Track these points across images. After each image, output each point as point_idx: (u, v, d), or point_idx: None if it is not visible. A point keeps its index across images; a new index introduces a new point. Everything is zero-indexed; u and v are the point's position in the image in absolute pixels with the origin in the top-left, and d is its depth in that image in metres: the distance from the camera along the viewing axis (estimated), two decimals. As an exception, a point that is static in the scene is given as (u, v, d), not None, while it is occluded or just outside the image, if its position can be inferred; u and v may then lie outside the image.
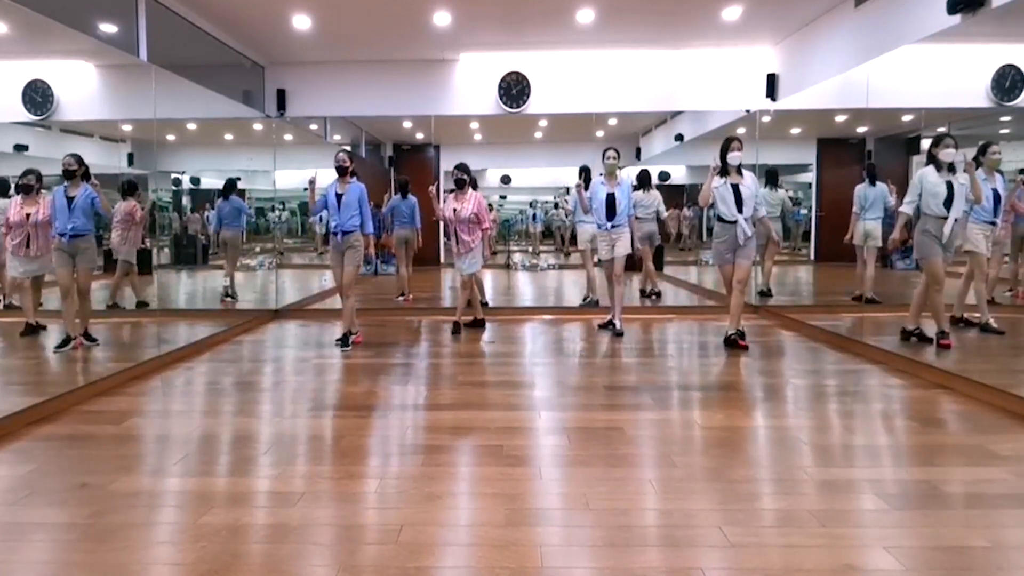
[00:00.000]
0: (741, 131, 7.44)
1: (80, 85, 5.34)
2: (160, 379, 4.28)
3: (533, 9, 5.76)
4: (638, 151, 9.82)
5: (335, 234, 5.10)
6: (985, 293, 4.98)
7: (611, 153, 5.61)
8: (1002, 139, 5.77)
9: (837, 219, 6.68)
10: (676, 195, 10.13)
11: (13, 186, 4.82)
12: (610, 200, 5.56)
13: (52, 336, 5.07)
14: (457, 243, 5.63)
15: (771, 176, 7.36)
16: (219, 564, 1.95)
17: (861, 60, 5.40)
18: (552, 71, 7.11)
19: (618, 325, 5.66)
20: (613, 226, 5.58)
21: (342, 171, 5.13)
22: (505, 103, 7.13)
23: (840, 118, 7.63)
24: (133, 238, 6.01)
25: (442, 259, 10.68)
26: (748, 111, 7.08)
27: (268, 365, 4.79)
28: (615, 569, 1.91)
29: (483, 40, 6.67)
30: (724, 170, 4.92)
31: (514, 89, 7.11)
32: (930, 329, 4.71)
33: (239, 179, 7.89)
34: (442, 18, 5.92)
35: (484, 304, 6.64)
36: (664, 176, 7.68)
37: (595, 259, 6.62)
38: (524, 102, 7.12)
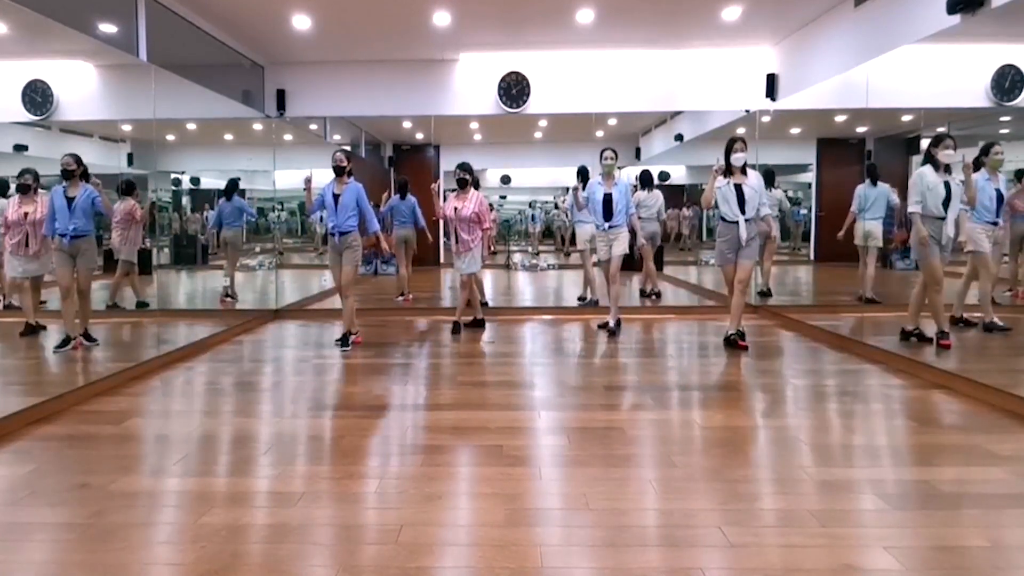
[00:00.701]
0: (741, 131, 7.44)
1: (80, 85, 5.34)
2: (160, 379, 4.28)
3: (533, 9, 5.76)
4: (638, 151, 9.83)
5: (332, 235, 5.09)
6: (991, 292, 4.98)
7: (608, 154, 5.60)
8: (1002, 139, 5.77)
9: (837, 219, 6.68)
10: (676, 195, 10.14)
11: (13, 186, 4.82)
12: (607, 200, 5.55)
13: (52, 336, 5.07)
14: (457, 242, 5.62)
15: (768, 176, 7.36)
16: (219, 564, 1.95)
17: (861, 60, 5.41)
18: (552, 71, 7.11)
19: (611, 324, 5.66)
20: (611, 227, 5.58)
21: (339, 171, 5.11)
22: (505, 103, 7.13)
23: (840, 118, 7.63)
24: (133, 238, 6.02)
25: (442, 259, 10.68)
26: (748, 111, 7.08)
27: (268, 365, 4.79)
28: (615, 569, 1.91)
29: (483, 40, 6.67)
30: (728, 170, 4.91)
31: (514, 89, 7.11)
32: (929, 329, 4.71)
33: (239, 179, 7.89)
34: (442, 18, 5.92)
35: (484, 304, 6.64)
36: (664, 176, 7.69)
37: (594, 259, 6.62)
38: (524, 102, 7.12)
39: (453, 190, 5.79)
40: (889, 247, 5.58)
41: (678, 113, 8.40)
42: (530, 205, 12.87)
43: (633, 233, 5.90)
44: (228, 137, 8.66)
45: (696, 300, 7.94)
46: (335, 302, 7.99)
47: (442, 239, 10.18)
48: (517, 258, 11.90)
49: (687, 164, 10.04)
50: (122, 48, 5.05)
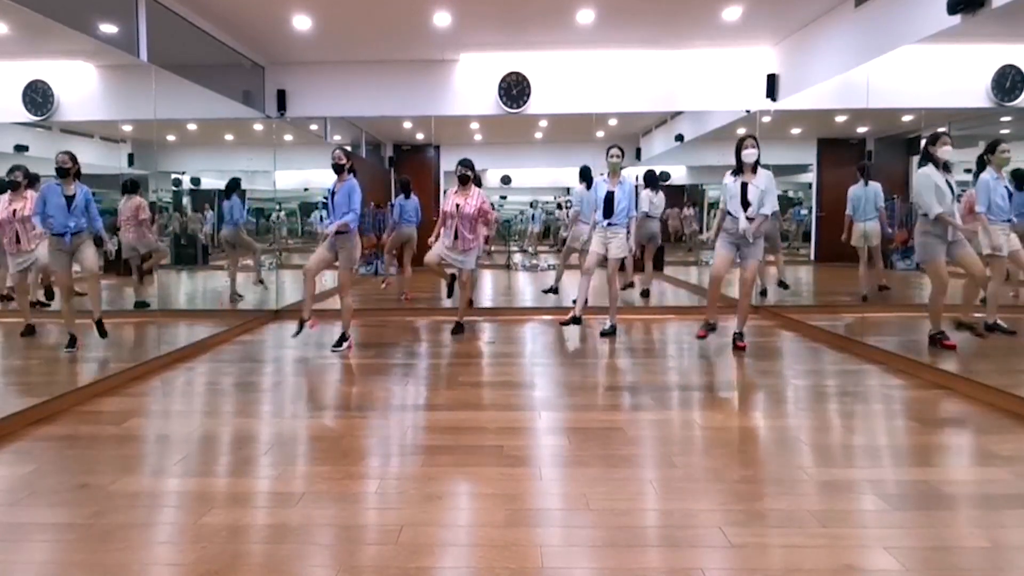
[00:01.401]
0: (741, 131, 7.44)
1: (80, 85, 5.34)
2: (160, 379, 4.28)
3: (533, 9, 5.76)
4: (638, 151, 9.83)
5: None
6: (999, 294, 4.96)
7: (615, 151, 5.55)
8: (1002, 139, 5.77)
9: (837, 219, 6.68)
10: (677, 195, 10.14)
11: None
12: (609, 198, 5.53)
13: (52, 336, 5.07)
14: (456, 238, 5.54)
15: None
16: (219, 564, 1.95)
17: (861, 60, 5.40)
18: (552, 71, 7.11)
19: (608, 324, 5.67)
20: (609, 224, 5.56)
21: (338, 169, 5.05)
22: (505, 103, 7.13)
23: (840, 118, 7.63)
24: (145, 232, 6.10)
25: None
26: (748, 111, 7.08)
27: (268, 365, 4.79)
28: (615, 569, 1.91)
29: (483, 40, 6.67)
30: (739, 167, 4.89)
31: (514, 89, 7.11)
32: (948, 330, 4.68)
33: (240, 178, 7.89)
34: (442, 18, 5.92)
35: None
36: (665, 176, 7.70)
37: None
38: (524, 102, 7.12)
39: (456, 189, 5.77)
40: (889, 247, 5.58)
41: (678, 113, 8.40)
42: (531, 205, 12.87)
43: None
44: (228, 137, 8.66)
45: (696, 300, 7.93)
46: (335, 302, 7.99)
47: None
48: (517, 258, 11.89)
49: (688, 164, 10.04)
50: (122, 48, 5.05)
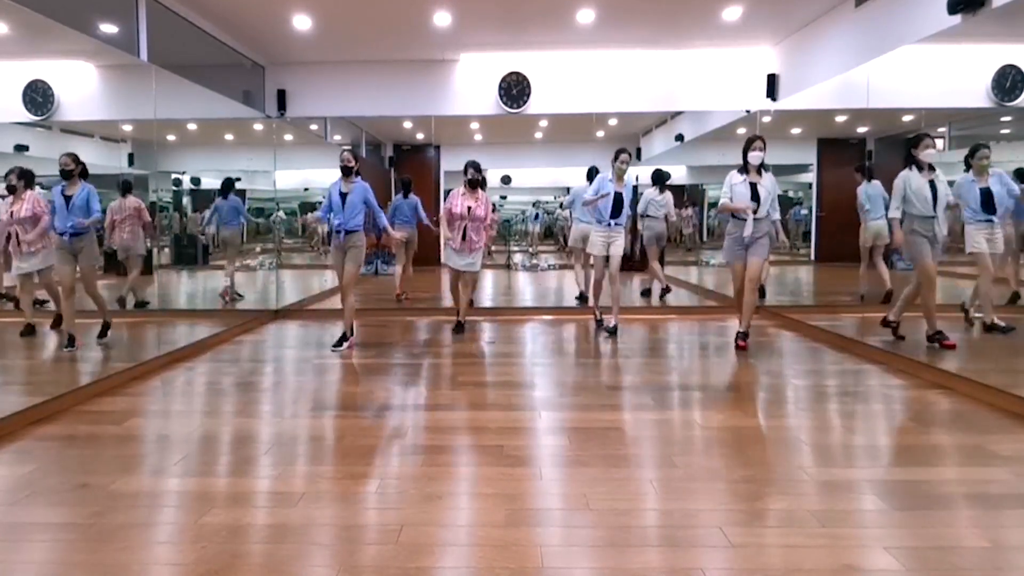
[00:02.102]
0: (741, 131, 7.44)
1: (80, 85, 5.34)
2: (160, 379, 4.28)
3: (533, 9, 5.76)
4: (638, 151, 9.82)
5: (338, 233, 5.06)
6: (992, 293, 4.98)
7: (625, 156, 5.56)
8: (1002, 139, 5.77)
9: (837, 219, 6.68)
10: (677, 195, 10.12)
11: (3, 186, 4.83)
12: (619, 199, 5.57)
13: (52, 336, 5.08)
14: (464, 239, 5.56)
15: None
16: (219, 564, 1.95)
17: (861, 60, 5.41)
18: (552, 71, 7.11)
19: (612, 322, 5.66)
20: (616, 224, 5.59)
21: (347, 171, 5.07)
22: (505, 103, 7.13)
23: (840, 118, 7.63)
24: (141, 235, 6.10)
25: (441, 259, 10.67)
26: (748, 111, 7.08)
27: (268, 365, 4.79)
28: (615, 569, 1.91)
29: (483, 40, 6.67)
30: (745, 168, 4.90)
31: (514, 89, 7.11)
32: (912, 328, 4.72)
33: (239, 179, 7.89)
34: (442, 18, 5.92)
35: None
36: (665, 176, 7.69)
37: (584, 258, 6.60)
38: (524, 102, 7.12)
39: (463, 191, 5.74)
40: (890, 247, 5.59)
41: (679, 113, 8.40)
42: (534, 205, 12.86)
43: (633, 233, 5.91)
44: (229, 137, 8.66)
45: (696, 300, 7.94)
46: (335, 302, 7.99)
47: (442, 240, 10.18)
48: (517, 258, 11.90)
49: (688, 164, 10.04)
50: (123, 48, 5.05)
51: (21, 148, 5.02)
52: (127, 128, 6.22)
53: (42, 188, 5.22)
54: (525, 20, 6.06)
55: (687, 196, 10.36)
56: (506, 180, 11.16)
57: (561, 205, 12.53)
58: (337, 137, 9.05)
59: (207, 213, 7.95)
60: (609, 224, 5.56)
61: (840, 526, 2.17)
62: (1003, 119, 5.47)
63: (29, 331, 4.99)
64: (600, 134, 8.81)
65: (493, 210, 5.84)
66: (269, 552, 2.03)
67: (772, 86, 6.91)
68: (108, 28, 5.05)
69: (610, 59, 7.05)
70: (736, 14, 5.91)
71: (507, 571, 1.90)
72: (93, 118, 5.62)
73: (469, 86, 7.21)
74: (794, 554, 1.99)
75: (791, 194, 9.05)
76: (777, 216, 5.01)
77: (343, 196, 5.03)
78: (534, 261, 11.70)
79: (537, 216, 12.76)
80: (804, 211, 8.71)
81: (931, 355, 4.50)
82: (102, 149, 6.04)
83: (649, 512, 2.30)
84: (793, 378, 4.25)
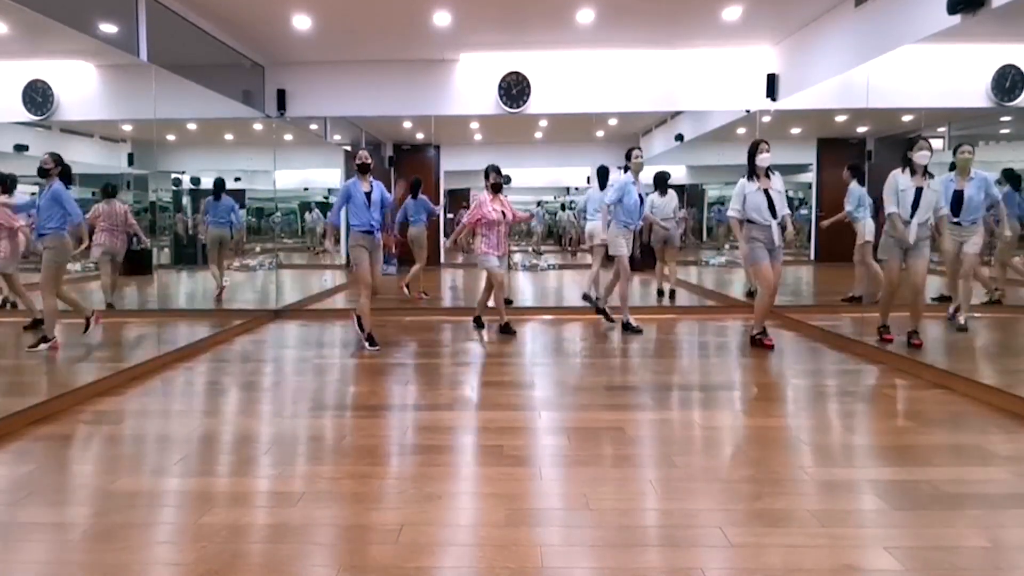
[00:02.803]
0: (741, 131, 7.45)
1: (80, 85, 5.34)
2: (160, 379, 4.28)
3: (533, 9, 5.76)
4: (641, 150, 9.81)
5: (369, 232, 5.00)
6: (965, 290, 5.01)
7: (638, 152, 5.64)
8: (1002, 139, 5.77)
9: (837, 220, 6.68)
10: (676, 195, 10.14)
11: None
12: (640, 200, 5.66)
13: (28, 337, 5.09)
14: (497, 244, 5.59)
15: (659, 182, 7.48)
16: (219, 564, 1.95)
17: (861, 60, 5.40)
18: (552, 71, 7.11)
19: (634, 321, 5.73)
20: (638, 225, 5.71)
21: (366, 168, 5.04)
22: (505, 103, 7.13)
23: (840, 118, 7.64)
24: (123, 239, 6.10)
25: (442, 259, 10.68)
26: (748, 111, 7.08)
27: (268, 365, 4.79)
28: (615, 569, 1.91)
29: (483, 40, 6.67)
30: (753, 173, 4.88)
31: (514, 89, 7.11)
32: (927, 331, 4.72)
33: (239, 179, 7.89)
34: (442, 18, 5.92)
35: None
36: (667, 177, 7.69)
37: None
38: (524, 102, 7.12)
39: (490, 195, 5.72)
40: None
41: (678, 113, 8.40)
42: (538, 204, 12.85)
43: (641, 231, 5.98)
44: (228, 137, 8.67)
45: (696, 300, 7.94)
46: (335, 302, 8.00)
47: (443, 240, 10.19)
48: (518, 258, 11.90)
49: (687, 164, 10.04)
50: (122, 48, 5.05)
51: (21, 148, 5.03)
52: (127, 128, 6.22)
53: (41, 188, 5.22)
54: (525, 20, 6.06)
55: (687, 196, 10.36)
56: (506, 180, 11.16)
57: (563, 206, 12.53)
58: (337, 137, 9.05)
59: (196, 215, 7.98)
60: (636, 226, 5.68)
61: (840, 526, 2.17)
62: (1003, 119, 5.47)
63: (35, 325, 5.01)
64: (600, 134, 8.81)
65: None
66: (269, 552, 2.03)
67: (772, 86, 6.91)
68: (108, 28, 5.05)
69: (610, 59, 7.05)
70: (736, 14, 5.91)
71: (507, 571, 1.90)
72: (93, 118, 5.62)
73: (469, 86, 7.21)
74: (794, 554, 1.99)
75: (791, 194, 9.04)
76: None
77: (367, 195, 5.00)
78: (534, 261, 11.70)
79: (541, 217, 12.74)
80: (804, 211, 8.71)
81: (931, 355, 4.50)
82: (102, 149, 6.04)
83: (649, 512, 2.30)
84: (793, 378, 4.26)
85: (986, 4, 4.08)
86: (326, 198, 11.00)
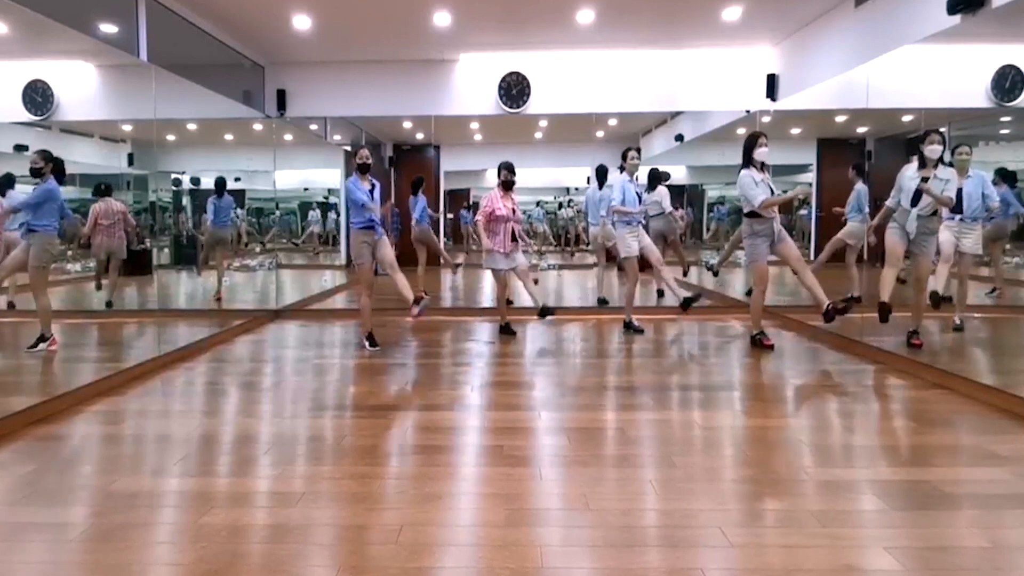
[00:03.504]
0: (741, 131, 7.43)
1: (80, 85, 5.34)
2: (160, 379, 4.28)
3: (533, 9, 5.76)
4: (638, 151, 9.80)
5: (371, 229, 4.99)
6: (961, 292, 5.08)
7: (634, 153, 5.71)
8: (1002, 139, 5.77)
9: (837, 219, 6.68)
10: (676, 195, 10.14)
11: None
12: (639, 198, 5.71)
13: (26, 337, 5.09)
14: (513, 240, 5.58)
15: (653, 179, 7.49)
16: (219, 564, 1.95)
17: (861, 60, 5.40)
18: (552, 71, 7.11)
19: (636, 323, 5.80)
20: (639, 223, 5.75)
21: (366, 168, 5.05)
22: (505, 103, 7.13)
23: (840, 118, 7.63)
24: (123, 236, 6.13)
25: (442, 259, 10.65)
26: (748, 111, 7.08)
27: (268, 365, 4.79)
28: (615, 569, 1.91)
29: (483, 40, 6.67)
30: (747, 164, 4.89)
31: (514, 89, 7.11)
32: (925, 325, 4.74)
33: (239, 179, 7.89)
34: (442, 18, 5.92)
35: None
36: (665, 176, 7.69)
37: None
38: (524, 102, 7.11)
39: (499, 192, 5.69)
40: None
41: (678, 113, 8.40)
42: (537, 204, 12.82)
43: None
44: (228, 137, 8.66)
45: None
46: (335, 302, 8.00)
47: (443, 240, 10.18)
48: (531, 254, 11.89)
49: (687, 164, 10.04)
50: (122, 48, 5.05)
51: (21, 148, 5.02)
52: (127, 128, 6.22)
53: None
54: (525, 20, 6.06)
55: (687, 196, 10.36)
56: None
57: (561, 205, 12.51)
58: (337, 137, 9.05)
59: (193, 217, 7.98)
60: (637, 224, 5.71)
61: (840, 526, 2.17)
62: (1003, 119, 5.47)
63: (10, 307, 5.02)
64: (600, 134, 8.81)
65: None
66: (269, 552, 2.03)
67: (772, 86, 6.91)
68: (108, 28, 5.05)
69: (610, 59, 7.05)
70: (736, 14, 5.91)
71: (507, 571, 1.90)
72: (93, 118, 5.62)
73: (469, 86, 7.21)
74: (794, 554, 1.99)
75: (791, 194, 9.04)
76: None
77: (369, 193, 5.00)
78: (536, 261, 11.69)
79: (540, 216, 12.72)
80: (804, 211, 8.70)
81: (931, 355, 4.50)
82: (102, 149, 6.04)
83: (649, 512, 2.30)
84: (793, 378, 4.26)
85: (986, 4, 4.08)
86: (326, 198, 11.00)
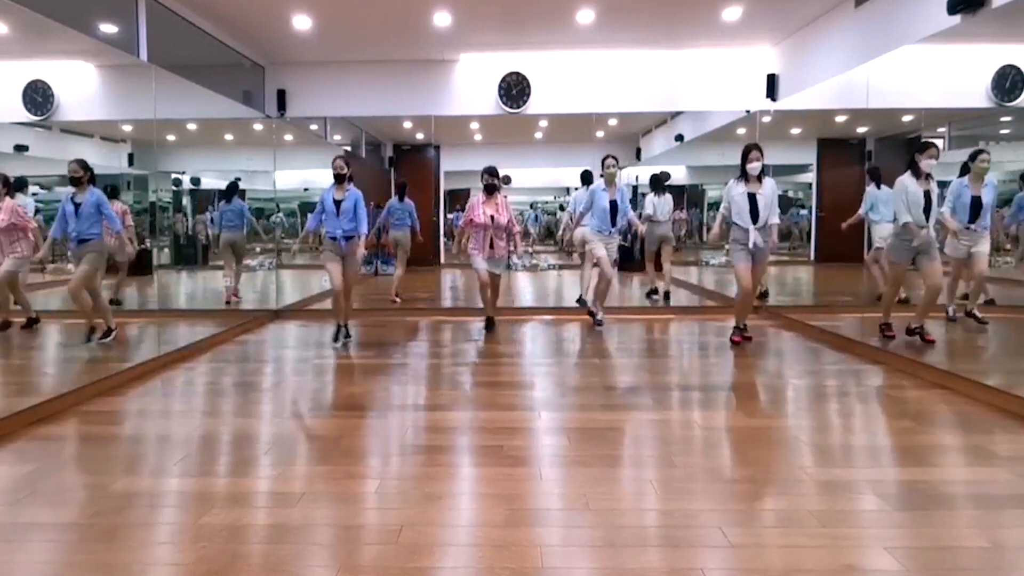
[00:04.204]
0: (741, 131, 7.44)
1: (80, 85, 5.34)
2: (161, 379, 4.28)
3: (533, 9, 5.76)
4: (638, 151, 9.83)
5: (334, 239, 5.03)
6: (979, 287, 5.06)
7: (610, 161, 5.64)
8: (1002, 139, 5.77)
9: (837, 219, 6.68)
10: (676, 196, 10.15)
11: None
12: (613, 208, 5.63)
13: (52, 336, 5.08)
14: (491, 247, 5.55)
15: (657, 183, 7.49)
16: (219, 564, 1.95)
17: (861, 60, 5.41)
18: (552, 71, 7.11)
19: (600, 315, 5.82)
20: (613, 231, 5.71)
21: (340, 179, 5.04)
22: (505, 103, 7.13)
23: (840, 118, 7.63)
24: (125, 240, 6.12)
25: (442, 259, 10.68)
26: (748, 111, 7.08)
27: (268, 365, 4.79)
28: (615, 569, 1.91)
29: (483, 40, 6.68)
30: (744, 176, 4.90)
31: (514, 89, 7.11)
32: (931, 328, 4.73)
33: (239, 179, 7.88)
34: (442, 18, 5.93)
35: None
36: (665, 177, 7.70)
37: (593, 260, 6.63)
38: (524, 102, 7.12)
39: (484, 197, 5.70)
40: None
41: (678, 113, 8.40)
42: (531, 206, 12.85)
43: (634, 236, 6.00)
44: (228, 137, 8.67)
45: (696, 300, 7.94)
46: (328, 303, 7.98)
47: (442, 240, 10.19)
48: (515, 259, 11.90)
49: (687, 164, 10.05)
50: (122, 48, 5.05)
51: (21, 148, 5.03)
52: (127, 128, 6.23)
53: (41, 188, 5.23)
54: (525, 20, 6.07)
55: (687, 197, 10.37)
56: (506, 180, 11.15)
57: (561, 207, 12.55)
58: (337, 137, 9.05)
59: (213, 216, 7.94)
60: (609, 232, 5.67)
61: (840, 526, 2.17)
62: (1003, 119, 5.47)
63: (30, 323, 5.01)
64: (600, 134, 8.81)
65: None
66: (269, 552, 2.03)
67: (772, 86, 6.91)
68: (108, 28, 5.05)
69: (610, 59, 7.05)
70: (736, 14, 5.91)
71: (507, 571, 1.90)
72: (93, 118, 5.62)
73: (469, 86, 7.21)
74: (794, 554, 1.99)
75: (791, 194, 9.05)
76: (776, 221, 4.99)
77: (337, 203, 5.00)
78: (533, 261, 11.70)
79: (537, 217, 12.74)
80: (804, 211, 8.71)
81: (931, 355, 4.50)
82: (102, 149, 6.04)
83: (649, 512, 2.30)
84: (793, 378, 4.25)
85: (986, 4, 4.09)
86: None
